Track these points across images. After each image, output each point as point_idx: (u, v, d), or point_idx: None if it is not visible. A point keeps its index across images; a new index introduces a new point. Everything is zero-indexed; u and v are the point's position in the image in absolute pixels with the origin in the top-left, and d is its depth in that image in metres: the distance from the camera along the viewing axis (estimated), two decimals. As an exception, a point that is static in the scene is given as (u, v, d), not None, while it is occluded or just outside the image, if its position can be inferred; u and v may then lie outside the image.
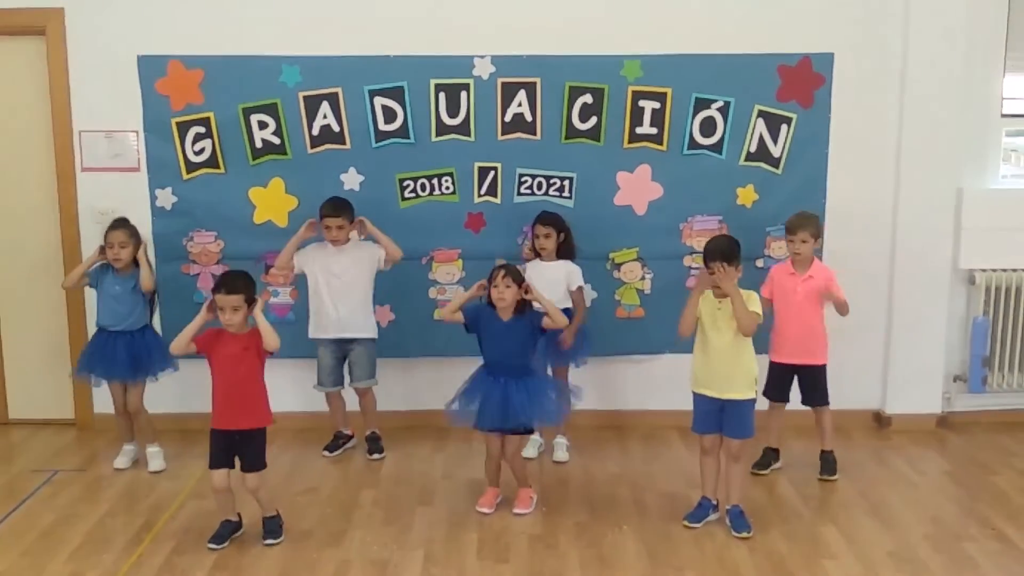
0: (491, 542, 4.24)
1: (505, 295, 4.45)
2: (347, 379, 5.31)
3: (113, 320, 5.02)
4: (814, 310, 4.85)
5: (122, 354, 4.99)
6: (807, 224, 4.83)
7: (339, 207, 5.12)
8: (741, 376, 4.28)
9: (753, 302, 4.23)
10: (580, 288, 5.13)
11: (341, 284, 5.15)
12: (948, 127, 5.40)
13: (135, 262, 5.03)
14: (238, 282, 4.17)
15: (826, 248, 5.43)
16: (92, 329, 5.41)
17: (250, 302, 4.16)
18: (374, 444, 5.30)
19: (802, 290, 4.81)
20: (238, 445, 4.19)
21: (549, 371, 5.08)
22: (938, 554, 4.11)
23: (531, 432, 4.68)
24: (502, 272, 4.48)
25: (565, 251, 5.13)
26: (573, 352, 5.12)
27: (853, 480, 4.89)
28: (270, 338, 4.16)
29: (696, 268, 5.45)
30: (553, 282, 5.00)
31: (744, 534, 4.24)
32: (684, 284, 5.47)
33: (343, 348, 5.23)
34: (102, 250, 4.99)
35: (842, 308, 4.84)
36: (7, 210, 5.58)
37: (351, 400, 5.34)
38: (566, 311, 4.81)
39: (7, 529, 4.40)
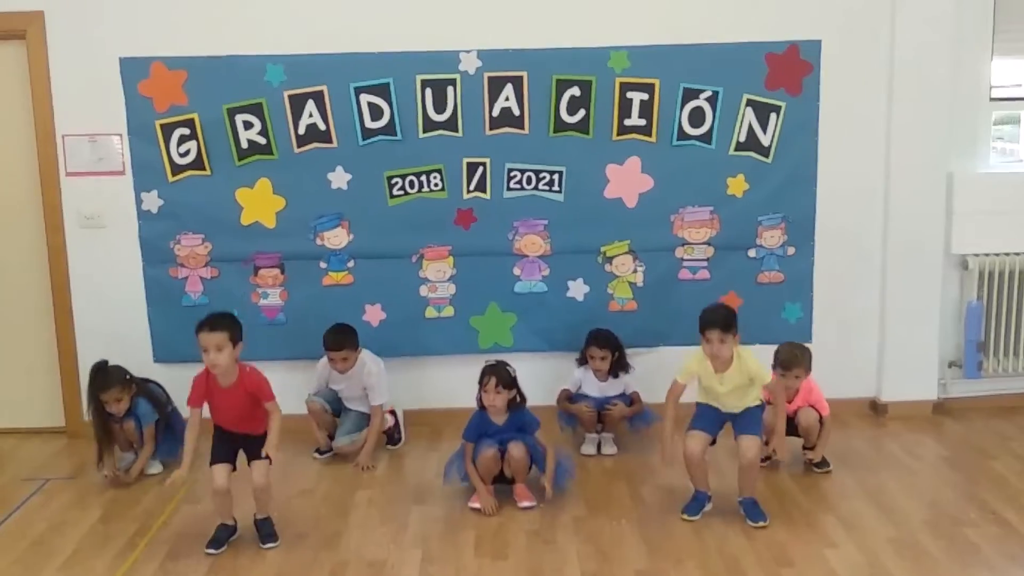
0: (489, 539, 4.20)
1: (496, 401, 4.48)
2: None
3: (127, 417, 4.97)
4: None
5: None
6: (801, 360, 4.81)
7: (341, 340, 5.11)
8: (747, 403, 4.34)
9: (763, 376, 4.27)
10: (636, 392, 5.24)
11: (347, 394, 5.24)
12: (937, 112, 5.37)
13: (135, 395, 4.93)
14: (222, 320, 4.10)
15: (818, 236, 5.44)
16: (81, 337, 5.45)
17: (235, 341, 4.08)
18: (390, 439, 5.33)
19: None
20: (243, 441, 4.18)
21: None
22: (938, 540, 4.09)
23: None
24: (493, 380, 4.48)
25: (618, 366, 5.21)
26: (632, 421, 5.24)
27: (851, 468, 4.86)
28: (274, 443, 4.10)
29: (688, 260, 5.43)
30: (608, 391, 5.21)
31: (761, 523, 4.22)
32: (676, 276, 5.47)
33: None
34: (98, 412, 4.86)
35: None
36: (-8, 217, 5.53)
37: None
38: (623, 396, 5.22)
39: (-2, 539, 4.36)
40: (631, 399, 5.22)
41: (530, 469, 4.56)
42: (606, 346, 5.16)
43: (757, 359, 4.31)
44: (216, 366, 4.04)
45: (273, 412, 4.15)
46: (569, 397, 5.24)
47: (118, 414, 4.89)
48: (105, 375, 4.86)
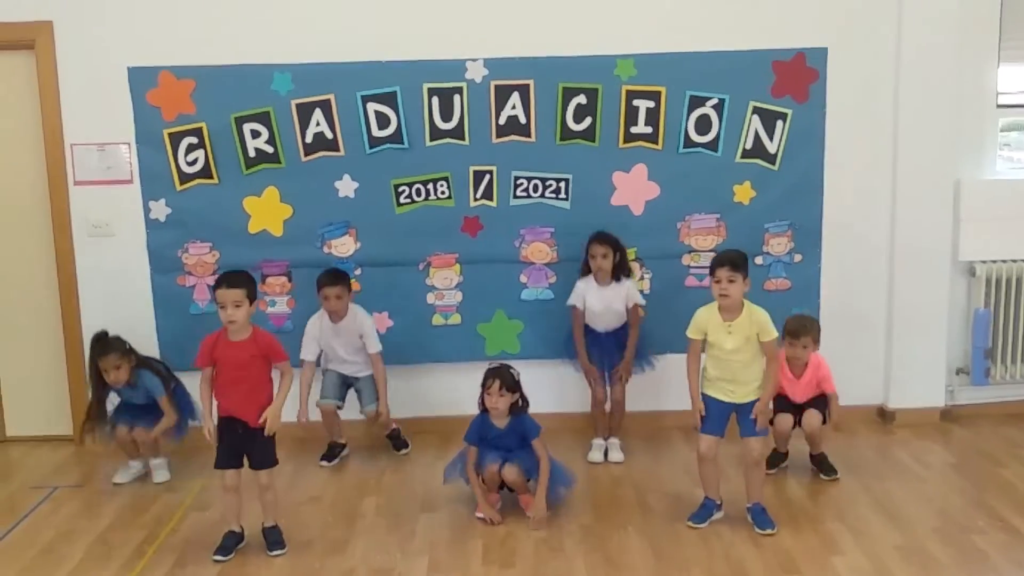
0: (496, 547, 4.20)
1: (498, 404, 4.46)
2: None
3: (137, 419, 5.02)
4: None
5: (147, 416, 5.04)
6: (810, 329, 4.81)
7: (335, 278, 5.12)
8: (753, 379, 4.29)
9: (769, 330, 4.23)
10: (637, 305, 5.18)
11: (343, 354, 5.22)
12: (944, 119, 5.38)
13: (136, 367, 4.98)
14: (240, 277, 4.16)
15: (825, 242, 5.45)
16: (88, 344, 5.41)
17: (251, 299, 4.13)
18: (397, 441, 5.38)
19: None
20: (246, 441, 4.16)
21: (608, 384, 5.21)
22: (947, 547, 4.08)
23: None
24: (497, 382, 4.45)
25: (620, 269, 5.16)
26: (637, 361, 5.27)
27: (858, 476, 4.86)
28: (279, 404, 4.21)
29: (695, 267, 5.43)
30: (612, 303, 5.14)
31: (769, 531, 4.22)
32: (683, 283, 5.47)
33: (348, 377, 5.28)
34: (97, 380, 4.97)
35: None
36: (0, 225, 5.54)
37: (346, 413, 5.33)
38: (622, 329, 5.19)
39: (7, 546, 4.36)
40: (631, 315, 5.17)
41: (528, 481, 4.55)
42: (607, 242, 5.10)
43: (767, 314, 4.27)
44: (233, 322, 4.08)
45: (285, 372, 4.24)
46: (580, 326, 5.18)
47: (116, 383, 4.93)
48: (105, 343, 4.94)
